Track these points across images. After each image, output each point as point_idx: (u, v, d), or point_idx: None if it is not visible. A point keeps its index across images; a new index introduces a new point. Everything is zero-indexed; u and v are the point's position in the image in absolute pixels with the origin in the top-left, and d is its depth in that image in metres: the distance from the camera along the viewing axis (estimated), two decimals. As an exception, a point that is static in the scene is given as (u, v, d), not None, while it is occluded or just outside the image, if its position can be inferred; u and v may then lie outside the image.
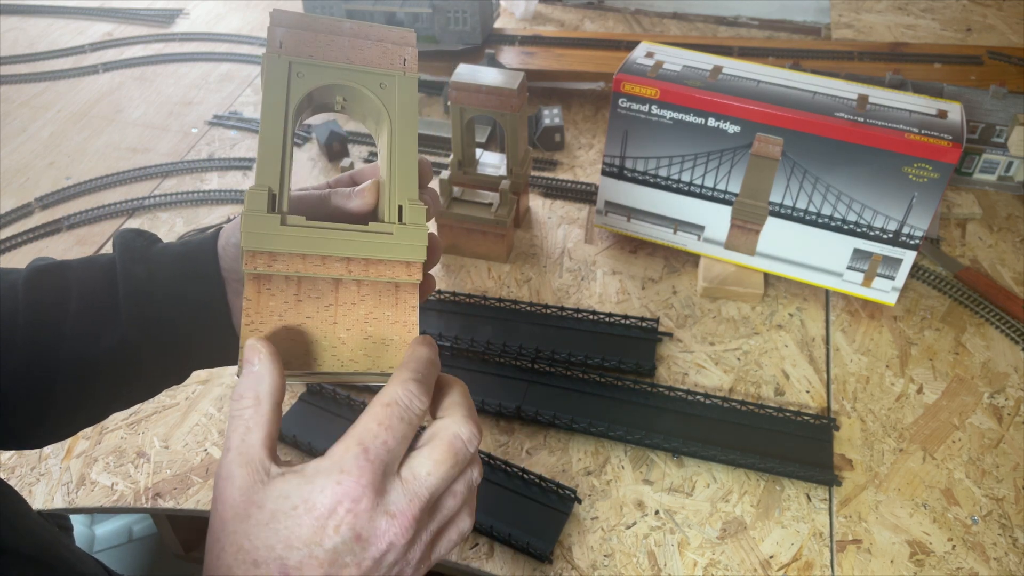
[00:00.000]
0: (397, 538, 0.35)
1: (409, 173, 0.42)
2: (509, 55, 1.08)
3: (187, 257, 0.47)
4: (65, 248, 0.88)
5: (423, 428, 0.38)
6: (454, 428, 0.37)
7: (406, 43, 0.44)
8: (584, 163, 0.97)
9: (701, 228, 0.78)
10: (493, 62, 1.05)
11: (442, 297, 0.77)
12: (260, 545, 0.34)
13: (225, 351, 0.48)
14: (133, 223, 0.91)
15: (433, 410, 0.39)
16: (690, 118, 0.72)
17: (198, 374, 0.72)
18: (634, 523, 0.60)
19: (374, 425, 0.36)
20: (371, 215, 0.44)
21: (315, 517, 0.34)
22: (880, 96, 0.71)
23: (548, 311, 0.75)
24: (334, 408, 0.67)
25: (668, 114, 0.73)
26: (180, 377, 0.50)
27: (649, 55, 0.76)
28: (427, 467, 0.36)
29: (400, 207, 0.41)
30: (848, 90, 0.72)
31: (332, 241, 0.40)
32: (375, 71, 0.43)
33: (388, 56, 0.44)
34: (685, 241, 0.80)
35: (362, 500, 0.34)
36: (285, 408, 0.69)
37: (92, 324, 0.45)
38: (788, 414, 0.66)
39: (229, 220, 0.90)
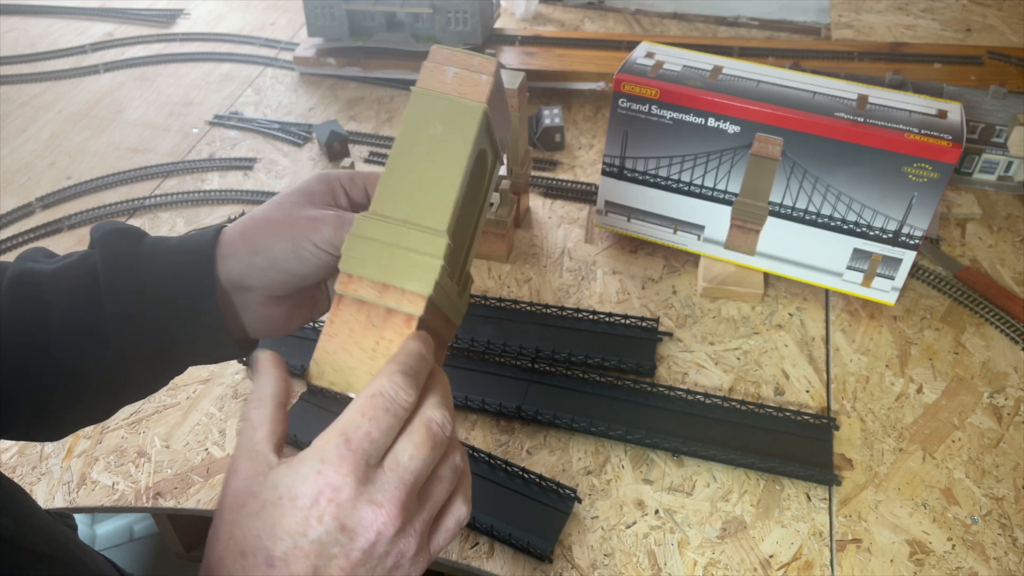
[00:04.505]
0: (385, 527, 0.35)
1: (473, 251, 0.46)
2: (509, 55, 1.08)
3: (181, 266, 0.44)
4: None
5: None
6: (428, 413, 0.37)
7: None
8: (584, 163, 0.97)
9: (701, 228, 0.78)
10: (493, 62, 1.05)
11: (442, 297, 0.77)
12: (249, 534, 0.34)
13: (218, 350, 0.47)
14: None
15: None
16: (690, 118, 0.72)
17: (199, 374, 0.72)
18: (634, 523, 0.60)
19: (357, 416, 0.36)
20: None
21: (298, 507, 0.34)
22: (880, 96, 0.71)
23: (548, 311, 0.75)
24: (335, 407, 0.67)
25: (668, 114, 0.73)
26: (177, 372, 0.49)
27: (649, 55, 0.76)
28: (408, 451, 0.36)
29: (467, 277, 0.46)
30: (848, 90, 0.72)
31: (456, 306, 0.44)
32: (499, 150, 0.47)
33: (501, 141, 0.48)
34: (685, 241, 0.80)
35: (343, 489, 0.34)
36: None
37: (80, 341, 0.43)
38: (788, 414, 0.66)
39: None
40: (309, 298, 0.49)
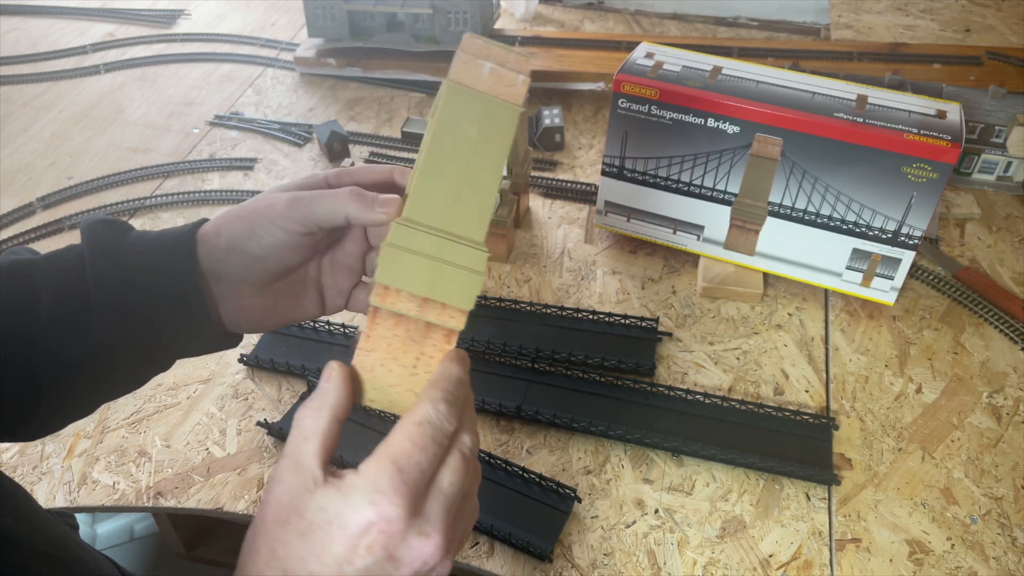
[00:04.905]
0: (432, 556, 0.35)
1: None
2: (509, 55, 1.08)
3: (163, 254, 0.45)
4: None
5: None
6: (462, 438, 0.38)
7: None
8: (584, 163, 0.97)
9: (701, 228, 0.78)
10: (493, 62, 1.05)
11: (442, 297, 0.77)
12: (293, 555, 0.35)
13: (207, 341, 0.48)
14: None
15: None
16: (690, 118, 0.72)
17: (199, 374, 0.72)
18: (634, 522, 0.60)
19: (408, 444, 0.36)
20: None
21: (348, 535, 0.34)
22: (879, 96, 0.71)
23: (548, 311, 0.75)
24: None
25: (668, 114, 0.73)
26: (163, 367, 0.49)
27: (649, 56, 0.76)
28: (448, 478, 0.37)
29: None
30: (847, 90, 0.72)
31: None
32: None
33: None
34: (685, 241, 0.80)
35: (395, 521, 0.34)
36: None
37: (67, 329, 0.43)
38: (787, 413, 0.66)
39: None
40: (289, 295, 0.49)
